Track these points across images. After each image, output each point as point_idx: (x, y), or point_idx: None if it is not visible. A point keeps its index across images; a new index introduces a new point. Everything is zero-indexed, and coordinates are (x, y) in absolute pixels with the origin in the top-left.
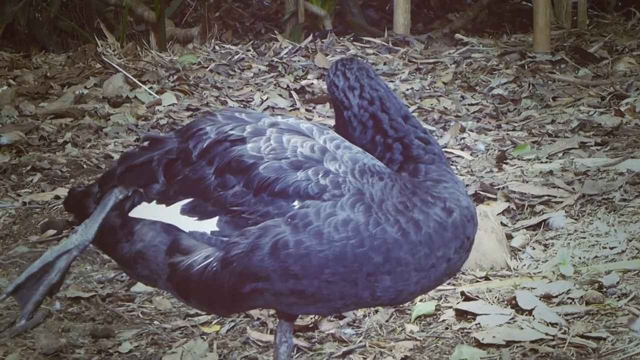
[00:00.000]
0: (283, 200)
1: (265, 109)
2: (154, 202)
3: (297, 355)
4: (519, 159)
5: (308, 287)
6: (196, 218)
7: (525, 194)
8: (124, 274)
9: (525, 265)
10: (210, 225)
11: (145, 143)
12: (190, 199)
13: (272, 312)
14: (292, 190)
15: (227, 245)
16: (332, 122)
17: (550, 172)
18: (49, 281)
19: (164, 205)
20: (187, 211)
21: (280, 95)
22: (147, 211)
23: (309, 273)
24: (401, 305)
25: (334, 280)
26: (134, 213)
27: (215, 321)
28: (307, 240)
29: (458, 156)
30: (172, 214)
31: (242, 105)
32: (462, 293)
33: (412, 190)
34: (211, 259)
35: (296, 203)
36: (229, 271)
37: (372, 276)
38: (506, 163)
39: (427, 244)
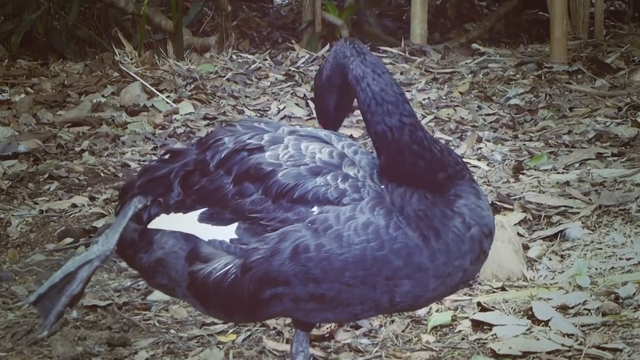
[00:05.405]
0: (302, 206)
1: (281, 118)
2: (172, 212)
3: None
4: (535, 170)
5: (328, 291)
6: (214, 226)
7: (541, 204)
8: (140, 283)
9: (541, 275)
10: (229, 232)
11: (166, 156)
12: (208, 208)
13: (288, 321)
14: (312, 196)
15: (246, 251)
16: (348, 132)
17: (567, 183)
18: (70, 292)
19: (181, 214)
20: (205, 219)
21: (297, 104)
22: (166, 222)
23: (330, 276)
24: (417, 316)
25: (354, 284)
26: (153, 225)
27: (231, 330)
28: (327, 244)
29: (475, 166)
30: (190, 222)
31: (259, 115)
32: (479, 303)
33: (432, 200)
34: (230, 265)
35: (315, 209)
36: (249, 277)
37: (391, 280)
38: (523, 173)
39: (445, 253)
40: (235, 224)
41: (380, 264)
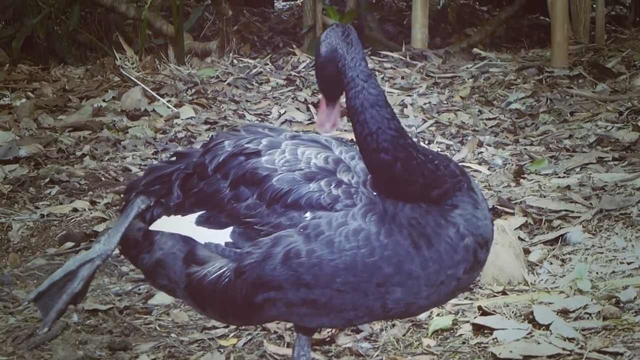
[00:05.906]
0: (295, 211)
1: (282, 123)
2: (172, 214)
3: None
4: (536, 174)
5: (320, 297)
6: (211, 229)
7: (542, 208)
8: (141, 287)
9: (542, 280)
10: (224, 236)
11: (173, 158)
12: (205, 211)
13: (289, 325)
14: (305, 202)
15: (240, 255)
16: (349, 136)
17: (568, 187)
18: (72, 290)
19: (179, 216)
20: (202, 222)
21: (298, 109)
22: (166, 224)
23: (321, 282)
24: (418, 320)
25: (345, 290)
26: (154, 226)
27: (232, 334)
28: (318, 250)
29: (476, 171)
30: (187, 225)
31: (259, 119)
32: (479, 307)
33: (426, 209)
34: (225, 269)
35: (308, 214)
36: (242, 281)
37: (382, 287)
38: (524, 178)
39: (437, 261)
40: (231, 228)
41: (370, 271)
